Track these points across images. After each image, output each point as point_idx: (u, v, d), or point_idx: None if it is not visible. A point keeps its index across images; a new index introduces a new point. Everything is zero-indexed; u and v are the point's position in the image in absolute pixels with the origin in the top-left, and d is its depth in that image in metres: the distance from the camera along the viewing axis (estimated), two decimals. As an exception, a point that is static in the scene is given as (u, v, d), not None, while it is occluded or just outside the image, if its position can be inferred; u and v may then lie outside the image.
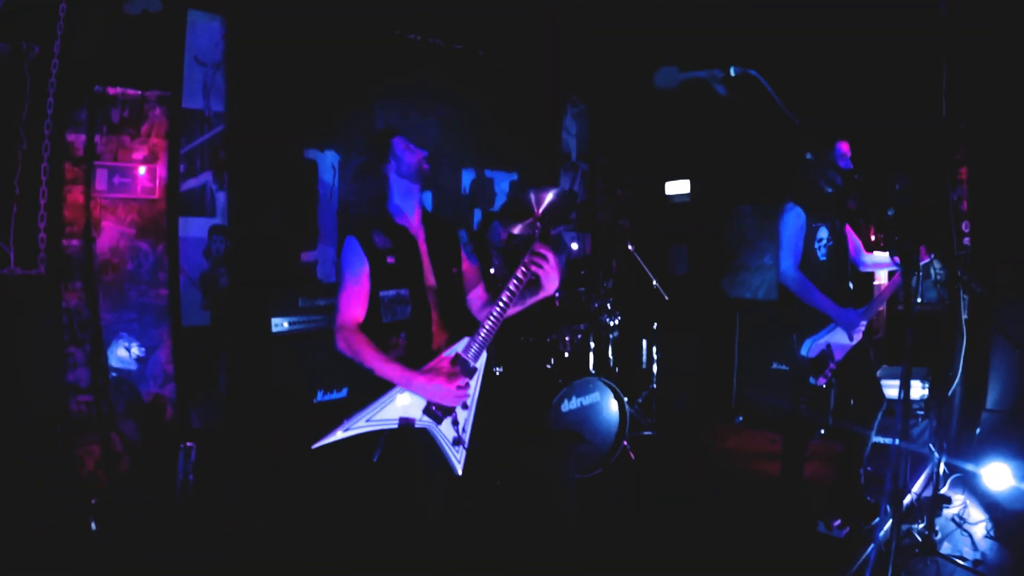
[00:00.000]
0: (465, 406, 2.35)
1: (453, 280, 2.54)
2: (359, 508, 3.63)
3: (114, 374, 3.93)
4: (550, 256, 2.31)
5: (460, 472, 2.31)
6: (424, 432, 2.30)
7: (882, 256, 3.53)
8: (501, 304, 2.31)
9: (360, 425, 2.28)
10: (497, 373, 4.26)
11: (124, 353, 4.00)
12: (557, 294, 4.40)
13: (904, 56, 4.51)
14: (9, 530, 2.82)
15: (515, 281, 2.31)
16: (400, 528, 2.44)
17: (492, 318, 2.32)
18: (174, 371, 4.15)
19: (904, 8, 4.34)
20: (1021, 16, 3.91)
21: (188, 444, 3.50)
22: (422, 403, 2.29)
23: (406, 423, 2.27)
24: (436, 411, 2.30)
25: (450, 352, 2.34)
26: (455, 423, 2.32)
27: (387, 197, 2.47)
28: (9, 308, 3.11)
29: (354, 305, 2.35)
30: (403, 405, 2.28)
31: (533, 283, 2.38)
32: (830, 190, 3.26)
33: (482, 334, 2.33)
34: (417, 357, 2.32)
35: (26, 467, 3.00)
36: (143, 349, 4.06)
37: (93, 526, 3.14)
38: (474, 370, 2.36)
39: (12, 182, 3.12)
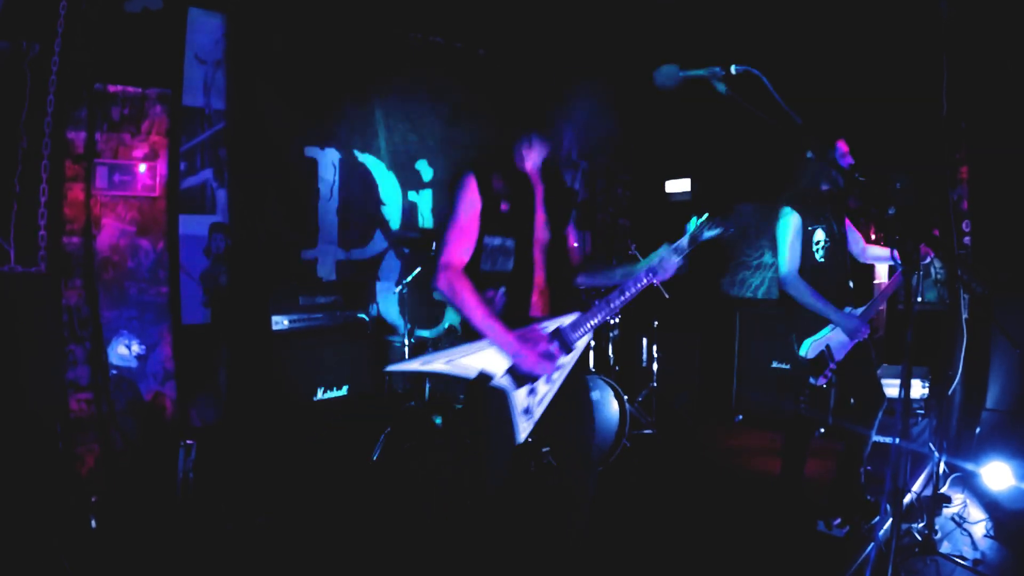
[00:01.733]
0: (549, 380, 2.25)
1: (564, 241, 2.39)
2: (359, 507, 3.63)
3: (114, 372, 3.93)
4: (676, 261, 2.21)
5: (520, 440, 2.22)
6: (498, 392, 2.20)
7: (881, 250, 3.52)
8: (624, 295, 2.21)
9: (439, 364, 2.16)
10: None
11: (124, 351, 4.00)
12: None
13: (905, 55, 4.51)
14: (9, 529, 2.81)
15: (648, 275, 2.21)
16: (460, 488, 2.39)
17: (609, 305, 2.22)
18: (174, 369, 4.15)
19: (904, 7, 4.34)
20: (1021, 14, 3.91)
21: (188, 442, 3.50)
22: (505, 363, 2.18)
23: (484, 378, 2.17)
24: (518, 376, 2.20)
25: (551, 323, 2.24)
26: (532, 392, 2.22)
27: (512, 148, 2.34)
28: (9, 306, 3.11)
29: (462, 246, 2.21)
30: (487, 359, 2.17)
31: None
32: (830, 188, 3.26)
33: (597, 317, 2.23)
34: (513, 316, 2.21)
35: (26, 465, 3.00)
36: (143, 347, 4.06)
37: (93, 524, 3.14)
38: (572, 348, 2.25)
39: (12, 180, 3.11)
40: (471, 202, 2.20)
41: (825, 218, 3.25)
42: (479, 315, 2.14)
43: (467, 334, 2.22)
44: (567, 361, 2.26)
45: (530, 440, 4.03)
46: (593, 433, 2.45)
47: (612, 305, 2.23)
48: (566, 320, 2.25)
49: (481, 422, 2.24)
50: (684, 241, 2.21)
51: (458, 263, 2.21)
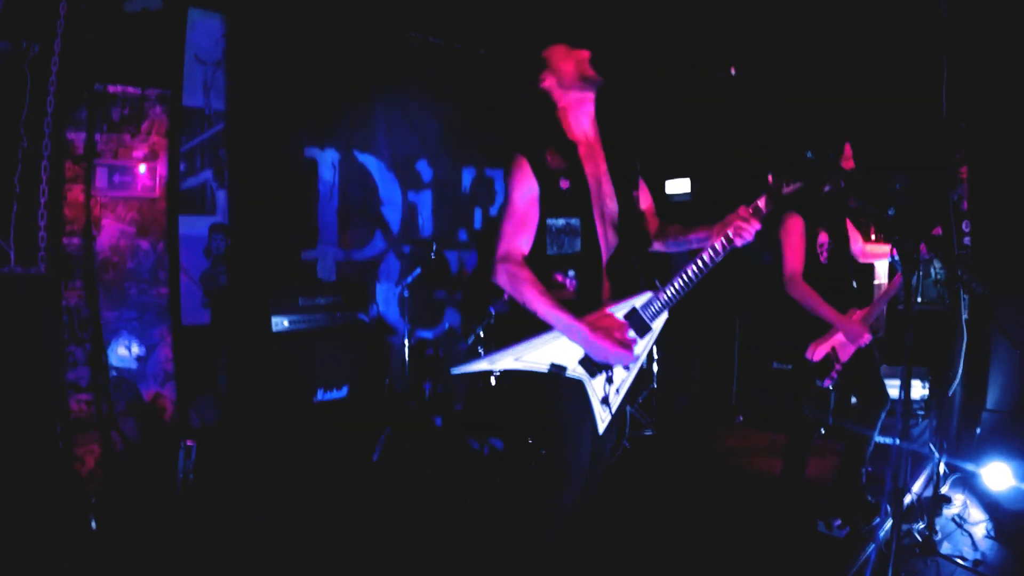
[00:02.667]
0: (627, 367, 2.11)
1: (635, 209, 2.22)
2: (359, 507, 3.63)
3: (114, 373, 3.93)
4: (756, 224, 2.03)
5: (602, 431, 2.09)
6: (575, 383, 2.06)
7: (880, 248, 3.52)
8: (700, 264, 2.03)
9: (506, 362, 2.03)
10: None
11: (124, 352, 4.00)
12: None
13: (905, 55, 4.51)
14: (9, 529, 2.81)
15: (723, 240, 2.03)
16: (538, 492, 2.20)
17: (686, 276, 2.04)
18: (174, 370, 4.15)
19: (904, 7, 4.34)
20: (1021, 14, 3.91)
21: (188, 443, 3.50)
22: (579, 352, 2.05)
23: (557, 370, 2.04)
24: (593, 364, 2.06)
25: (624, 306, 2.07)
26: (609, 380, 2.08)
27: (555, 111, 2.18)
28: (9, 306, 3.11)
29: (521, 235, 2.06)
30: (557, 350, 2.04)
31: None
32: (831, 189, 3.26)
33: (669, 292, 2.06)
34: (586, 301, 2.06)
35: (26, 465, 3.00)
36: (143, 348, 4.06)
37: (93, 525, 3.14)
38: (649, 330, 2.09)
39: (12, 180, 3.12)
40: (526, 184, 2.06)
41: (828, 219, 3.25)
42: (548, 309, 1.99)
43: (524, 328, 2.06)
44: (644, 345, 2.10)
45: (530, 440, 4.04)
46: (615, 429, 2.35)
47: (688, 278, 2.05)
48: (639, 300, 2.08)
49: (561, 418, 2.12)
50: (761, 201, 2.04)
51: (518, 254, 2.06)
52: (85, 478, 3.63)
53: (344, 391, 4.22)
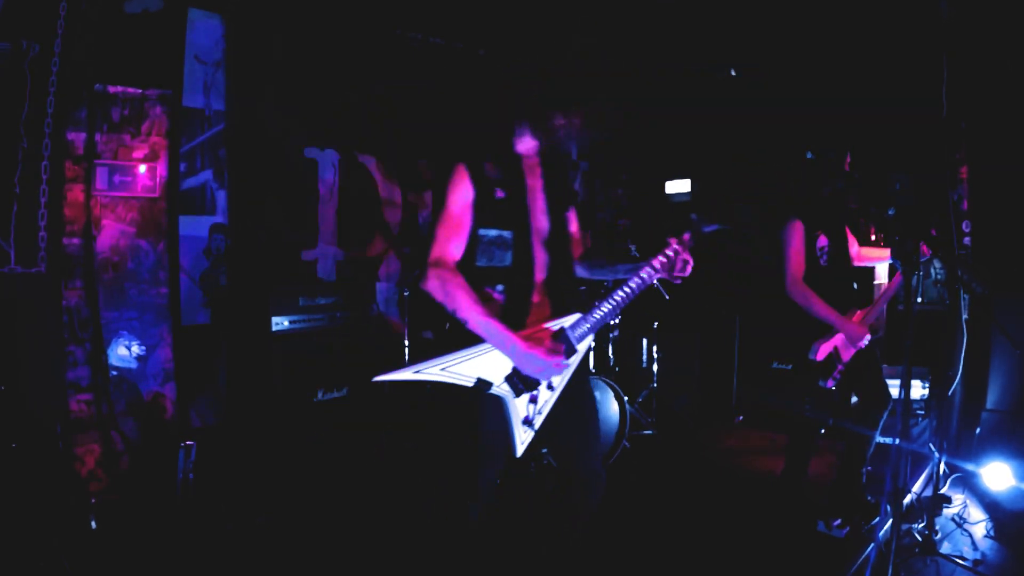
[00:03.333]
0: (551, 387, 2.08)
1: (565, 230, 2.21)
2: (359, 507, 3.63)
3: (114, 373, 3.93)
4: (685, 256, 2.10)
5: (519, 453, 2.05)
6: (497, 401, 2.04)
7: (875, 252, 3.53)
8: (628, 290, 2.05)
9: (433, 372, 1.98)
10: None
11: (124, 352, 4.00)
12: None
13: (905, 56, 4.51)
14: (9, 529, 2.81)
15: (649, 269, 2.07)
16: (447, 500, 2.20)
17: (613, 302, 2.05)
18: (174, 370, 4.15)
19: (904, 7, 4.34)
20: (1021, 14, 3.91)
21: (188, 443, 3.50)
22: (505, 369, 2.01)
23: (483, 384, 2.00)
24: (518, 382, 2.03)
25: (555, 324, 2.07)
26: (533, 401, 2.05)
27: (508, 129, 2.19)
28: (9, 306, 3.11)
29: (454, 240, 2.03)
30: (485, 365, 2.00)
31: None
32: (831, 191, 3.27)
33: (596, 316, 2.06)
34: (514, 315, 2.04)
35: (26, 465, 3.00)
36: (143, 348, 4.06)
37: (93, 525, 3.14)
38: (575, 352, 2.08)
39: (12, 180, 3.11)
40: (463, 191, 2.04)
41: (828, 222, 3.26)
42: (477, 316, 1.95)
43: (457, 339, 2.02)
44: (570, 365, 2.10)
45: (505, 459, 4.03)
46: (599, 440, 2.32)
47: (615, 303, 2.07)
48: (567, 320, 2.09)
49: (477, 434, 2.09)
50: (687, 236, 2.12)
51: (450, 259, 2.03)
52: (85, 478, 3.63)
53: (344, 391, 4.22)
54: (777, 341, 5.16)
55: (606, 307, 2.07)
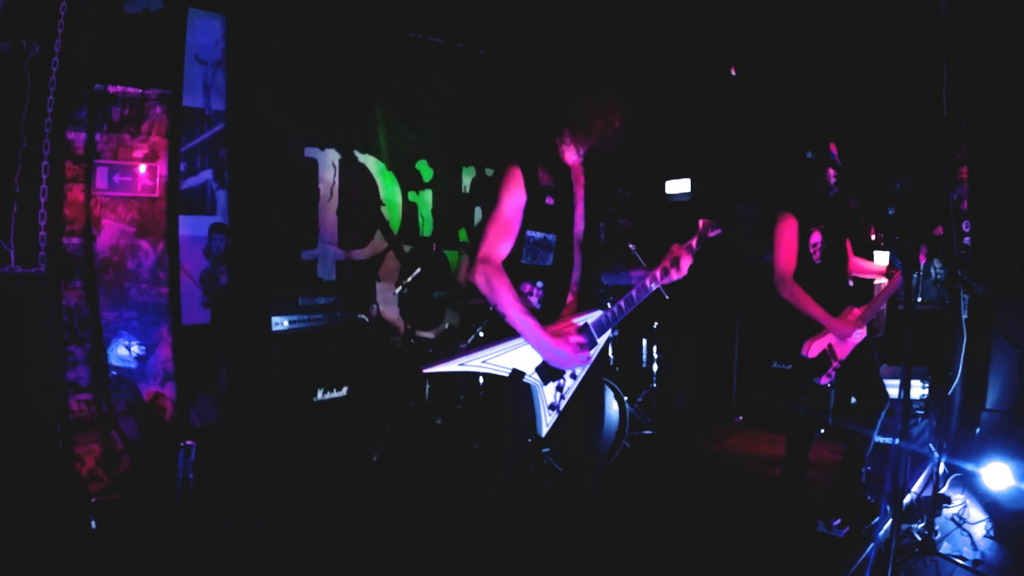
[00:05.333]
0: (574, 375, 2.31)
1: (598, 236, 2.42)
2: (359, 507, 3.63)
3: (114, 372, 3.93)
4: (688, 259, 2.28)
5: (544, 433, 2.28)
6: (527, 387, 2.25)
7: (868, 264, 3.53)
8: (643, 288, 2.25)
9: (476, 364, 2.19)
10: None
11: (124, 352, 4.00)
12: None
13: (905, 55, 4.51)
14: (9, 529, 2.82)
15: (661, 272, 2.26)
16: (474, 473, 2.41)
17: (629, 298, 2.26)
18: (174, 370, 4.15)
19: (904, 7, 4.34)
20: (1021, 14, 3.91)
21: (188, 443, 3.50)
22: (537, 361, 2.22)
23: (517, 374, 2.21)
24: (547, 372, 2.25)
25: (579, 320, 2.28)
26: (559, 388, 2.29)
27: (555, 138, 2.33)
28: (9, 306, 3.11)
29: (503, 240, 2.20)
30: (520, 357, 2.21)
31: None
32: (823, 188, 3.26)
33: (615, 312, 2.27)
34: (549, 312, 2.26)
35: (26, 465, 3.00)
36: (143, 348, 4.06)
37: (93, 525, 3.14)
38: (595, 344, 2.30)
39: (12, 180, 3.11)
40: (516, 195, 2.19)
41: (824, 220, 3.26)
42: (516, 312, 2.13)
43: (496, 331, 2.23)
44: (592, 355, 2.30)
45: (530, 440, 4.03)
46: (603, 427, 2.48)
47: (631, 301, 2.26)
48: (592, 317, 2.28)
49: (507, 417, 2.28)
50: (693, 241, 2.30)
51: (497, 258, 2.19)
52: (85, 478, 3.64)
53: (344, 391, 4.22)
54: (777, 341, 5.16)
55: (623, 304, 2.26)
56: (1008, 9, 3.98)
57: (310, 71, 4.67)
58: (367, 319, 4.50)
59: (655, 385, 5.16)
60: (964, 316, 3.42)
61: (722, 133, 5.81)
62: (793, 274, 3.20)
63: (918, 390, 4.80)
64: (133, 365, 4.03)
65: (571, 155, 2.34)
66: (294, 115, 4.63)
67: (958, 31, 3.83)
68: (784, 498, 3.43)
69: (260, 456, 3.88)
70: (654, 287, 2.26)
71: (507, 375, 2.20)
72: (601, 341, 2.32)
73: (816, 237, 3.23)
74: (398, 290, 4.65)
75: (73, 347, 3.74)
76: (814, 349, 3.22)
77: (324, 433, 4.07)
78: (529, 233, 2.22)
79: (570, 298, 2.32)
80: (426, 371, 2.24)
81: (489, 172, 5.80)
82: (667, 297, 5.27)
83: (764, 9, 4.89)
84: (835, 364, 3.21)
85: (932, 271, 4.38)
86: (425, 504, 3.67)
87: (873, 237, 5.08)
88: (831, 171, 3.21)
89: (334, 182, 4.92)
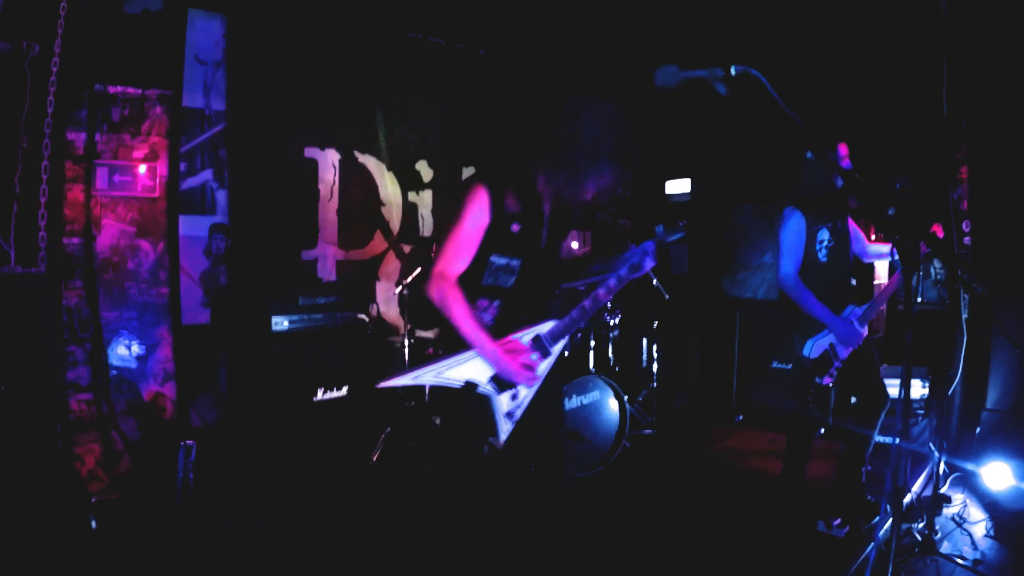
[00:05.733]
0: (529, 385, 2.35)
1: (558, 250, 2.47)
2: (359, 507, 3.63)
3: (114, 372, 3.93)
4: (651, 262, 2.38)
5: (502, 442, 2.33)
6: (483, 397, 2.30)
7: (884, 248, 3.53)
8: (595, 298, 2.32)
9: (428, 377, 2.24)
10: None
11: (124, 351, 4.00)
12: (557, 292, 4.40)
13: (905, 55, 4.51)
14: (9, 529, 2.82)
15: (619, 277, 2.34)
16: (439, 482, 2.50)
17: (583, 310, 2.32)
18: (174, 369, 4.15)
19: (904, 7, 4.34)
20: (1021, 14, 3.91)
21: (188, 442, 3.50)
22: (490, 372, 2.27)
23: (470, 386, 2.27)
24: (501, 382, 2.30)
25: (532, 331, 2.32)
26: (514, 397, 2.33)
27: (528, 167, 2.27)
28: (9, 306, 3.11)
29: (460, 258, 2.20)
30: (473, 369, 2.26)
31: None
32: (831, 189, 3.27)
33: (567, 322, 2.33)
34: (503, 328, 2.28)
35: (26, 465, 3.00)
36: (143, 347, 4.06)
37: (93, 525, 3.14)
38: (549, 353, 2.35)
39: (12, 180, 3.11)
40: (479, 217, 2.17)
41: (829, 218, 3.26)
42: (469, 328, 2.17)
43: (450, 344, 2.26)
44: (545, 366, 2.35)
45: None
46: (564, 428, 2.56)
47: (584, 310, 2.33)
48: (544, 328, 2.33)
49: (464, 426, 2.35)
50: (650, 245, 2.40)
51: (452, 274, 2.20)
52: (85, 478, 3.64)
53: (344, 391, 4.22)
54: (777, 341, 5.16)
55: (576, 314, 2.33)
56: (1008, 9, 3.98)
57: (310, 71, 4.66)
58: (367, 319, 4.50)
59: (655, 385, 5.16)
60: (964, 316, 3.42)
61: (722, 133, 5.81)
62: (799, 273, 3.20)
63: (918, 390, 4.80)
64: (133, 365, 4.03)
65: (542, 186, 2.26)
66: (294, 115, 4.63)
67: (958, 31, 3.83)
68: (784, 498, 3.43)
69: (260, 456, 3.88)
70: (612, 294, 2.33)
71: (460, 387, 2.25)
72: (555, 350, 2.36)
73: (823, 235, 3.23)
74: (398, 290, 4.65)
75: (73, 347, 3.74)
76: (816, 349, 3.22)
77: (324, 433, 4.06)
78: (493, 259, 2.24)
79: (526, 315, 2.36)
80: (380, 386, 2.31)
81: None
82: (667, 297, 5.29)
83: (764, 9, 4.89)
84: (837, 364, 3.20)
85: (932, 271, 4.38)
86: (425, 504, 3.67)
87: (873, 237, 5.08)
88: (842, 157, 3.21)
89: (334, 182, 4.92)
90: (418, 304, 4.89)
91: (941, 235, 3.17)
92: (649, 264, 2.37)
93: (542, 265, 2.36)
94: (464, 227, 2.17)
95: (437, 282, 2.18)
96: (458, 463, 2.39)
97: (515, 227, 2.22)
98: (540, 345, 2.32)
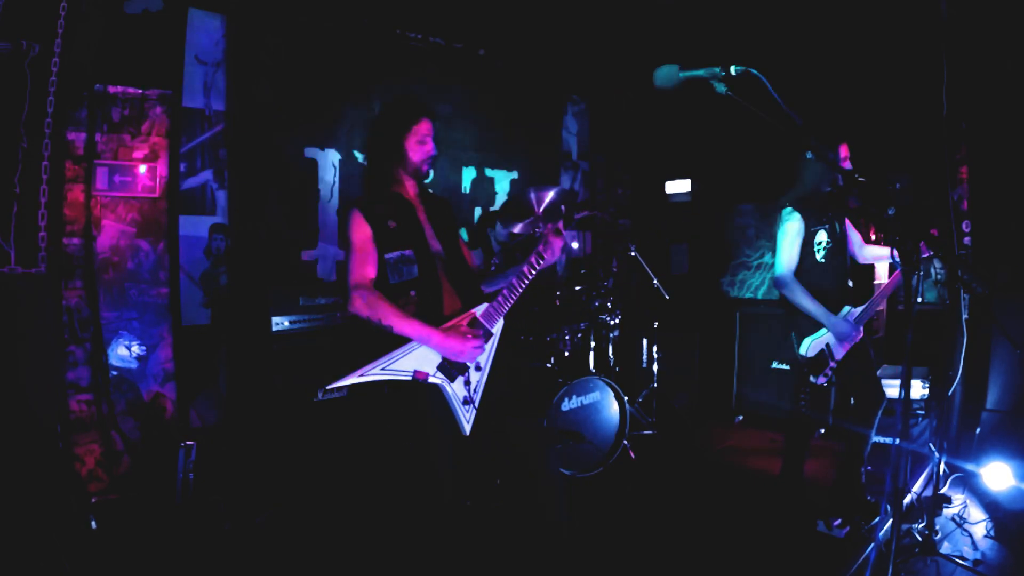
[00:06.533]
0: (479, 367, 2.43)
1: (456, 245, 2.62)
2: (359, 507, 3.63)
3: (114, 373, 3.93)
4: (559, 241, 2.48)
5: (468, 431, 2.38)
6: (436, 389, 2.35)
7: (881, 250, 3.53)
8: (522, 274, 2.44)
9: (375, 373, 2.29)
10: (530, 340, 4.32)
11: (124, 352, 4.00)
12: (558, 292, 4.40)
13: (905, 55, 4.51)
14: (9, 529, 2.82)
15: (536, 256, 2.45)
16: (408, 486, 2.51)
17: (513, 287, 2.45)
18: (174, 370, 4.15)
19: (904, 7, 4.34)
20: (1021, 14, 3.91)
21: (188, 443, 3.50)
22: (437, 359, 2.34)
23: (419, 376, 2.31)
24: (450, 369, 2.36)
25: (467, 315, 2.43)
26: (467, 383, 2.39)
27: (392, 180, 2.58)
28: (9, 306, 3.11)
29: (366, 263, 2.39)
30: (418, 359, 2.32)
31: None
32: (830, 189, 3.27)
33: (500, 300, 2.45)
34: (429, 315, 2.38)
35: (26, 465, 3.00)
36: (143, 348, 4.06)
37: (93, 525, 3.14)
38: (491, 335, 2.45)
39: (12, 180, 3.11)
40: (360, 228, 2.40)
41: (827, 218, 3.26)
42: (401, 323, 2.29)
43: (385, 343, 2.32)
44: (489, 346, 2.46)
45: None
46: (527, 403, 2.66)
47: (516, 288, 2.45)
48: (478, 310, 2.45)
49: (424, 421, 2.38)
50: (559, 224, 2.52)
51: (366, 280, 2.36)
52: (85, 478, 3.64)
53: (344, 391, 4.22)
54: (776, 341, 5.17)
55: (506, 292, 2.46)
56: (1008, 9, 3.98)
57: (310, 71, 4.66)
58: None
59: (655, 385, 5.16)
60: (964, 316, 3.42)
61: (722, 133, 5.81)
62: (795, 272, 3.20)
63: (918, 390, 4.80)
64: (133, 365, 4.03)
65: (411, 185, 2.59)
66: (294, 115, 4.63)
67: (958, 31, 3.83)
68: (784, 498, 3.43)
69: (260, 456, 3.88)
70: (532, 274, 2.46)
71: (409, 378, 2.30)
72: (496, 330, 2.48)
73: (821, 236, 3.23)
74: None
75: (73, 347, 3.74)
76: (813, 348, 3.22)
77: (324, 433, 4.06)
78: (388, 256, 2.40)
79: (448, 298, 2.46)
80: (328, 388, 2.38)
81: (489, 172, 5.80)
82: (667, 297, 5.29)
83: (764, 9, 4.89)
84: (831, 364, 3.21)
85: (932, 271, 4.38)
86: (424, 504, 3.67)
87: (873, 237, 5.08)
88: (843, 158, 3.21)
89: (334, 182, 4.92)
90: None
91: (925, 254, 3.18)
92: (558, 243, 2.47)
93: (447, 256, 2.51)
94: (354, 241, 2.40)
95: (356, 293, 2.33)
96: (430, 466, 2.41)
97: (391, 223, 2.43)
98: (479, 325, 2.43)
